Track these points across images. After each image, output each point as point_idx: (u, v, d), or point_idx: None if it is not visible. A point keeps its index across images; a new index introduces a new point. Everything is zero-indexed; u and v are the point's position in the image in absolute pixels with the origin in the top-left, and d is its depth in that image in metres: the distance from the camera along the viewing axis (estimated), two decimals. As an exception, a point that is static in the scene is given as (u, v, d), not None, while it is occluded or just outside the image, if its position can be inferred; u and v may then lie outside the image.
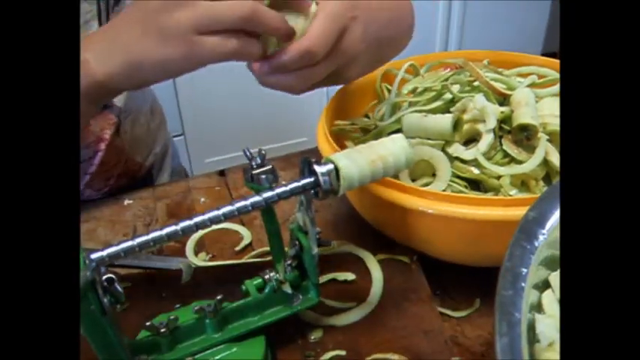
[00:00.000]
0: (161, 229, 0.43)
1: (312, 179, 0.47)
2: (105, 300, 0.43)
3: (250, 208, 0.45)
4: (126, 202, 0.91)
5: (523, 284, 0.45)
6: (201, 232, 0.81)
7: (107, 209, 0.90)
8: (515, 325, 0.40)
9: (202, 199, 0.90)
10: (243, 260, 0.74)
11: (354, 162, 0.48)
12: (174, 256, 0.74)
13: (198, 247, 0.78)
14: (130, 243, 0.42)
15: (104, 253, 0.42)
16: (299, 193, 0.47)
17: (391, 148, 0.50)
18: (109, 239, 0.83)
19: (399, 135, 0.52)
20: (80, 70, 0.55)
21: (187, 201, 0.90)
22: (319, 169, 0.47)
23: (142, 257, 0.71)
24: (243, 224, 0.80)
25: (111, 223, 0.87)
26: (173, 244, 0.80)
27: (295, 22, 0.55)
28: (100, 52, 0.56)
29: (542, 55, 3.12)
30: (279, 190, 0.46)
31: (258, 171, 0.48)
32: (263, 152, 0.49)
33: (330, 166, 0.47)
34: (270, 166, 0.48)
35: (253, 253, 0.76)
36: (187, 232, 0.44)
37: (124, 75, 0.55)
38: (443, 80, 0.80)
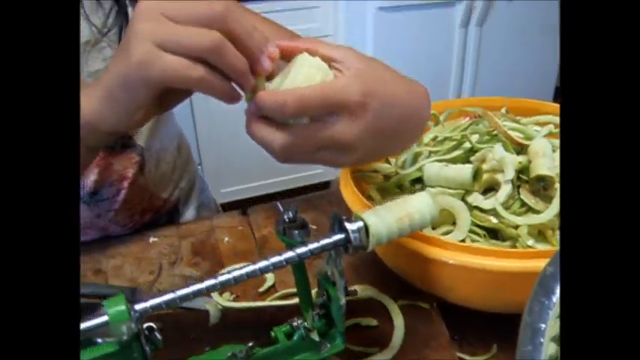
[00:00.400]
0: (201, 282, 0.46)
1: (342, 236, 0.50)
2: (147, 348, 0.45)
3: (285, 263, 0.48)
4: (151, 239, 0.94)
5: (542, 339, 0.47)
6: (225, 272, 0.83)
7: (133, 246, 0.93)
8: (536, 380, 0.43)
9: (226, 239, 0.93)
10: (268, 303, 0.76)
11: (382, 219, 0.51)
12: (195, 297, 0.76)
13: (223, 287, 0.80)
14: (171, 295, 0.45)
15: (147, 304, 0.44)
16: (330, 249, 0.50)
17: (417, 206, 0.53)
18: (135, 276, 0.86)
19: (425, 193, 0.55)
20: None
21: (211, 240, 0.93)
22: (350, 226, 0.50)
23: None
24: (266, 265, 0.83)
25: (137, 260, 0.89)
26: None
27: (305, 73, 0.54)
28: (87, 91, 0.55)
29: (556, 88, 3.17)
30: (311, 247, 0.48)
31: (290, 225, 0.50)
32: (295, 206, 0.52)
33: (360, 224, 0.50)
34: (302, 221, 0.51)
35: (277, 294, 0.78)
36: (227, 284, 0.47)
37: (103, 104, 0.53)
38: (462, 130, 0.83)
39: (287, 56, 0.57)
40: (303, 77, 0.54)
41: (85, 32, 0.81)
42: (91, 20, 0.81)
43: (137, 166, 1.00)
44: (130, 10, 0.84)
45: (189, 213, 1.16)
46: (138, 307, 0.44)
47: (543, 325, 0.48)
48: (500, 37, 2.76)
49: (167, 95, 0.55)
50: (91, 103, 0.53)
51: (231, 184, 2.68)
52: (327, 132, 0.56)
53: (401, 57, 2.57)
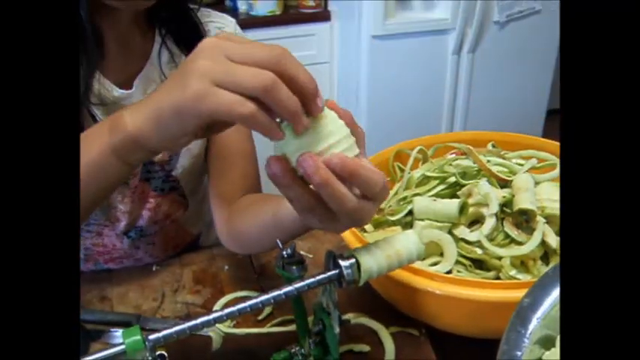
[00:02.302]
0: (208, 314, 0.50)
1: (336, 271, 0.55)
2: (159, 375, 0.50)
3: (284, 297, 0.52)
4: (154, 268, 0.99)
5: (518, 366, 0.51)
6: (226, 299, 0.88)
7: (137, 274, 0.97)
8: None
9: (226, 267, 0.97)
10: (267, 329, 0.81)
11: (373, 256, 0.56)
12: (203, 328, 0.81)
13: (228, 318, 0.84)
14: (182, 327, 0.50)
15: (160, 335, 0.49)
16: (325, 284, 0.55)
17: (405, 244, 0.58)
18: (139, 303, 0.90)
19: (412, 232, 0.60)
20: (114, 125, 0.57)
21: (212, 268, 0.97)
22: (343, 263, 0.54)
23: (172, 322, 0.78)
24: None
25: (141, 287, 0.94)
26: (199, 309, 0.87)
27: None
28: (134, 107, 0.56)
29: (548, 112, 3.22)
30: (308, 282, 0.53)
31: (289, 261, 0.55)
32: (293, 244, 0.57)
33: (353, 261, 0.55)
34: (299, 257, 0.55)
35: (275, 321, 0.82)
36: (232, 316, 0.51)
37: (150, 125, 0.54)
38: (448, 164, 0.88)
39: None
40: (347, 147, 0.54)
41: None
42: None
43: (182, 207, 1.07)
44: None
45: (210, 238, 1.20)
46: (152, 337, 0.49)
47: (519, 353, 0.52)
48: (493, 63, 2.82)
49: (214, 124, 0.56)
50: (138, 120, 0.55)
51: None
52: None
53: (395, 83, 2.63)
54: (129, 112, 0.56)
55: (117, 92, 0.88)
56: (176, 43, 0.94)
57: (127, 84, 0.90)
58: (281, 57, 0.50)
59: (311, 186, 0.52)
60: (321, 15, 2.64)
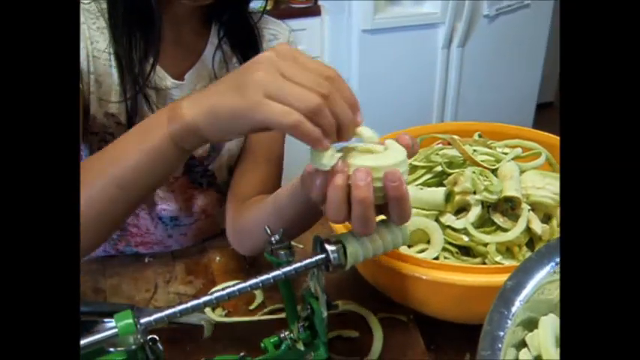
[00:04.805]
0: (195, 294, 0.52)
1: (323, 256, 0.56)
2: (151, 357, 0.51)
3: (272, 280, 0.54)
4: (147, 259, 1.00)
5: (500, 345, 0.53)
6: (217, 289, 0.89)
7: (130, 266, 0.98)
8: (493, 380, 0.48)
9: (218, 258, 0.99)
10: (257, 317, 0.82)
11: (358, 241, 0.57)
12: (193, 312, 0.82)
13: (217, 302, 0.86)
14: (173, 310, 0.51)
15: (152, 318, 0.50)
16: (312, 268, 0.56)
17: (391, 229, 0.59)
18: (132, 294, 0.91)
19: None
20: (172, 115, 0.61)
21: (204, 260, 0.99)
22: (330, 247, 0.56)
23: (165, 312, 0.79)
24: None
25: (134, 279, 0.95)
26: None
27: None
28: (192, 100, 0.61)
29: (538, 105, 3.24)
30: (296, 266, 0.55)
31: (277, 246, 0.57)
32: (281, 230, 0.58)
33: (339, 245, 0.56)
34: (287, 243, 0.57)
35: (266, 310, 0.84)
36: (221, 300, 0.53)
37: (206, 119, 0.59)
38: (435, 153, 0.90)
39: None
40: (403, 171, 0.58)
41: None
42: None
43: (218, 203, 1.09)
44: None
45: None
46: (143, 320, 0.50)
47: (502, 333, 0.53)
48: (482, 57, 2.83)
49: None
50: (195, 113, 0.60)
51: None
52: None
53: (385, 78, 2.65)
54: (187, 104, 0.61)
55: (169, 82, 0.94)
56: (230, 46, 0.99)
57: (178, 76, 0.95)
58: (329, 81, 0.55)
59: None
60: (312, 10, 2.66)
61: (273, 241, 0.57)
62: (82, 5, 0.87)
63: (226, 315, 0.84)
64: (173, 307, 0.52)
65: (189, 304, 0.51)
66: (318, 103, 0.53)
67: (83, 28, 0.86)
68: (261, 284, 0.54)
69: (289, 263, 0.55)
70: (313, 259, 0.56)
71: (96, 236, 0.70)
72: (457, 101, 2.87)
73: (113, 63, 0.88)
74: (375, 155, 0.57)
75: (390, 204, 0.57)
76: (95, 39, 0.87)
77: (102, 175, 0.66)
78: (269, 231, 0.58)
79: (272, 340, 0.63)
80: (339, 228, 0.76)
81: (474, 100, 2.89)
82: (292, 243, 0.59)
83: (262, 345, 0.63)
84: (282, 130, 0.55)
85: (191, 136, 0.61)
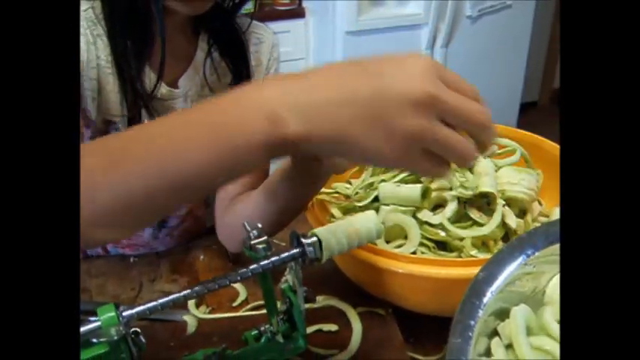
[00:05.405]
0: (179, 291, 0.54)
1: (299, 250, 0.58)
2: (133, 349, 0.53)
3: (250, 274, 0.56)
4: (132, 259, 1.01)
5: (470, 333, 0.55)
6: (202, 288, 0.91)
7: (116, 266, 1.00)
8: (464, 367, 0.50)
9: (202, 257, 1.00)
10: (240, 313, 0.84)
11: (333, 235, 0.59)
12: (177, 309, 0.84)
13: (199, 301, 0.88)
14: (154, 303, 0.53)
15: (134, 311, 0.52)
16: (290, 261, 0.58)
17: (365, 223, 0.61)
18: (118, 293, 0.93)
19: (371, 212, 0.64)
20: (273, 128, 0.50)
21: (189, 258, 1.00)
22: (306, 241, 0.58)
23: (150, 310, 0.81)
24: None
25: (119, 279, 0.96)
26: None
27: None
28: (301, 114, 0.50)
29: (522, 105, 3.27)
30: (273, 259, 0.57)
31: (255, 241, 0.58)
32: (259, 226, 0.60)
33: (314, 239, 0.58)
34: (265, 238, 0.58)
35: (249, 306, 0.86)
36: (201, 293, 0.54)
37: (328, 146, 0.52)
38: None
39: None
40: None
41: None
42: None
43: (205, 203, 1.11)
44: None
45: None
46: (125, 313, 0.52)
47: (472, 322, 0.55)
48: (466, 58, 2.86)
49: None
50: (310, 132, 0.51)
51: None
52: None
53: (370, 79, 2.66)
54: (292, 115, 0.50)
55: (165, 89, 0.94)
56: (219, 52, 1.00)
57: (171, 82, 0.96)
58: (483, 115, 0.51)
59: None
60: (296, 12, 2.67)
61: (252, 237, 0.59)
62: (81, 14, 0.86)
63: (210, 312, 0.86)
64: (155, 300, 0.53)
65: (170, 297, 0.53)
66: (470, 156, 0.50)
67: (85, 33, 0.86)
68: (239, 277, 0.55)
69: (267, 257, 0.57)
70: (290, 253, 0.57)
71: (136, 224, 0.57)
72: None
73: (112, 70, 0.88)
74: None
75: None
76: (96, 45, 0.87)
77: (147, 164, 0.51)
78: (248, 227, 0.60)
79: (253, 333, 0.65)
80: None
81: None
82: (275, 241, 0.61)
83: (243, 338, 0.65)
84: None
85: (293, 150, 0.54)
